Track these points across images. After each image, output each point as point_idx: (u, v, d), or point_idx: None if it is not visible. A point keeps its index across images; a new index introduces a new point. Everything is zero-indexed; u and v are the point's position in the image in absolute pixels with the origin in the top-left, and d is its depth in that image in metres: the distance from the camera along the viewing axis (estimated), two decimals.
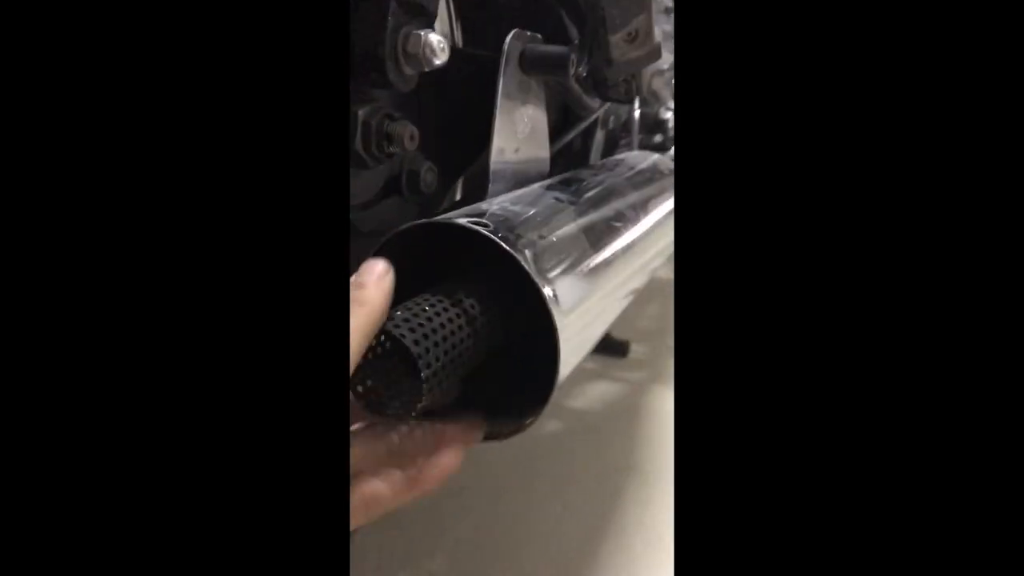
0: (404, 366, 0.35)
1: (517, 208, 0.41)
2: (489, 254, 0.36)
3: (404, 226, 0.36)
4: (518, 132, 0.56)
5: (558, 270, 0.37)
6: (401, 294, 0.37)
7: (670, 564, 0.74)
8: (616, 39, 0.53)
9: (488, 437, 0.40)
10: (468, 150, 0.56)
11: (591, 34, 0.53)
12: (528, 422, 0.38)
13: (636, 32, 0.53)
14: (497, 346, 0.39)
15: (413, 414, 0.34)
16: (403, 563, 0.74)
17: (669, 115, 1.15)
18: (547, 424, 1.01)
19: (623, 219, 0.49)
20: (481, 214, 0.38)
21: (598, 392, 1.13)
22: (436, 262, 0.42)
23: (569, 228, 0.42)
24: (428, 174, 0.51)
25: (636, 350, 1.26)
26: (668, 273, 1.74)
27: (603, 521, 0.81)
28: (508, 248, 0.34)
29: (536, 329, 0.39)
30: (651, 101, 1.15)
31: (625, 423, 1.03)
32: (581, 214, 0.45)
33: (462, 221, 0.36)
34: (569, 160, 0.85)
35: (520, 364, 0.43)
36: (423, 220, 0.36)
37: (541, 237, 0.38)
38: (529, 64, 0.53)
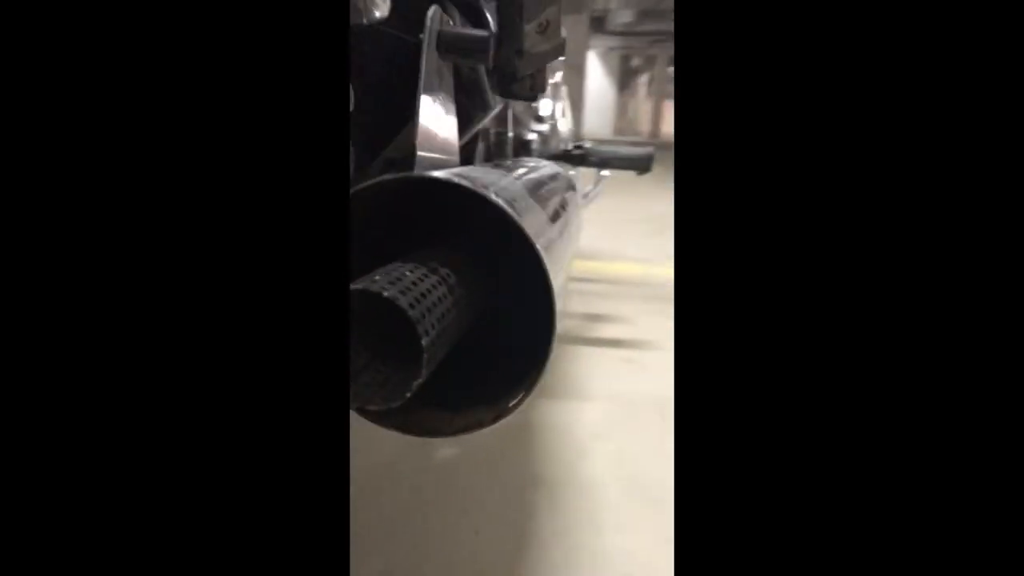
0: (392, 339, 0.30)
1: (477, 175, 0.37)
2: (460, 217, 0.33)
3: (375, 180, 0.31)
4: (433, 122, 0.53)
5: (537, 233, 0.35)
6: (361, 264, 0.32)
7: (592, 572, 0.72)
8: (529, 28, 0.53)
9: (467, 428, 0.35)
10: (381, 134, 0.52)
11: (505, 22, 0.53)
12: (514, 404, 0.35)
13: (547, 23, 0.53)
14: (472, 322, 0.35)
15: (408, 395, 0.28)
16: None
17: (533, 136, 1.19)
18: (441, 451, 0.95)
19: (561, 206, 0.48)
20: (450, 174, 0.34)
21: None
22: (390, 234, 0.37)
23: (530, 200, 0.40)
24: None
25: None
26: None
27: (520, 537, 0.77)
28: (499, 200, 0.31)
29: (512, 302, 0.36)
30: (516, 124, 1.19)
31: (519, 438, 1.01)
32: (531, 191, 0.43)
33: (440, 175, 0.32)
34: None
35: (489, 347, 0.39)
36: (394, 175, 0.32)
37: (514, 200, 0.35)
38: (446, 46, 0.51)
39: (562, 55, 0.58)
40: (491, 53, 0.50)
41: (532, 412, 1.11)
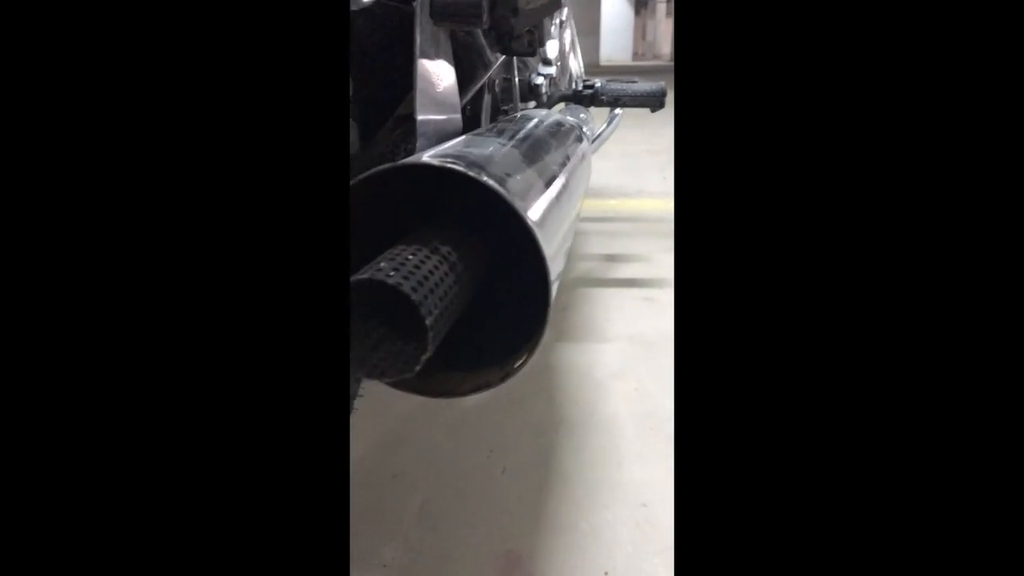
0: (399, 320, 0.33)
1: (472, 150, 0.39)
2: (457, 195, 0.35)
3: (370, 172, 0.33)
4: (434, 87, 0.54)
5: (531, 204, 0.37)
6: (367, 248, 0.34)
7: (613, 506, 0.77)
8: None
9: (477, 389, 0.39)
10: (383, 107, 0.53)
11: None
12: (519, 364, 0.38)
13: None
14: (476, 289, 0.38)
15: (417, 368, 0.31)
16: (353, 557, 0.69)
17: (541, 80, 1.18)
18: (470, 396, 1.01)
19: (559, 164, 0.50)
20: (444, 156, 0.36)
21: None
22: (391, 215, 0.39)
23: (525, 169, 0.41)
24: (350, 131, 0.47)
25: None
26: None
27: (544, 474, 0.83)
28: (490, 182, 0.33)
29: (511, 272, 0.38)
30: (522, 68, 1.17)
31: (541, 382, 1.06)
32: (528, 158, 0.45)
33: (433, 161, 0.34)
34: (464, 123, 0.84)
35: (495, 311, 0.42)
36: (389, 164, 0.34)
37: (507, 175, 0.37)
38: (439, 13, 0.51)
39: (558, 8, 0.57)
40: (484, 16, 0.50)
41: (553, 355, 1.15)
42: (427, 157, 0.35)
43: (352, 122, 0.48)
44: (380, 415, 0.95)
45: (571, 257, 1.65)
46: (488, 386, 0.38)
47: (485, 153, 0.39)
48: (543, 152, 0.51)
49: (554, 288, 0.36)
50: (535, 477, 0.82)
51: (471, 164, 0.35)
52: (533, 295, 0.37)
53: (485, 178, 0.33)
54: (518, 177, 0.39)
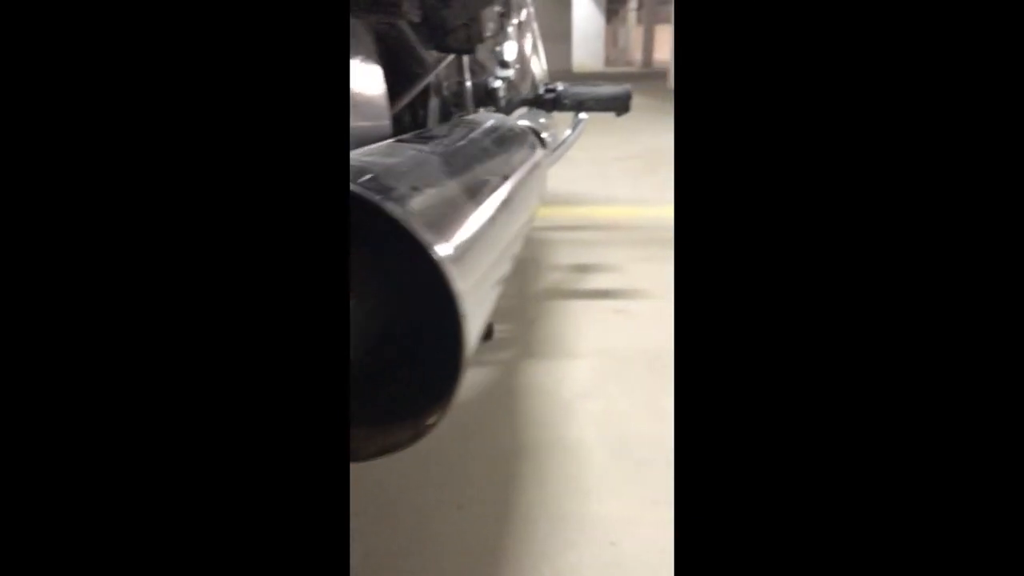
0: None
1: (372, 159, 0.32)
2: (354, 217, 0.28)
3: None
4: (355, 87, 0.47)
5: (444, 227, 0.30)
6: None
7: (578, 541, 0.71)
8: None
9: (382, 451, 0.32)
10: None
11: None
12: (430, 422, 0.31)
13: None
14: (380, 334, 0.31)
15: None
16: None
17: (498, 83, 1.12)
18: None
19: (500, 175, 0.43)
20: None
21: (469, 378, 1.07)
22: None
23: (444, 181, 0.35)
24: None
25: (499, 329, 1.23)
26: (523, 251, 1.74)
27: (503, 510, 0.76)
28: (385, 202, 0.26)
29: (422, 307, 0.32)
30: (478, 71, 1.11)
31: (503, 404, 0.99)
32: (452, 168, 0.38)
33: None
34: (403, 132, 0.77)
35: (399, 362, 0.35)
36: None
37: (414, 189, 0.30)
38: (354, 4, 0.44)
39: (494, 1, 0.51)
40: (404, 6, 0.43)
41: (521, 376, 1.09)
42: None
43: None
44: None
45: (538, 266, 1.59)
46: (396, 447, 0.31)
47: (388, 162, 0.32)
48: (478, 161, 0.44)
49: (473, 330, 0.29)
50: (493, 515, 0.75)
51: (365, 177, 0.28)
52: (448, 338, 0.30)
53: (377, 197, 0.26)
54: (433, 192, 0.32)
